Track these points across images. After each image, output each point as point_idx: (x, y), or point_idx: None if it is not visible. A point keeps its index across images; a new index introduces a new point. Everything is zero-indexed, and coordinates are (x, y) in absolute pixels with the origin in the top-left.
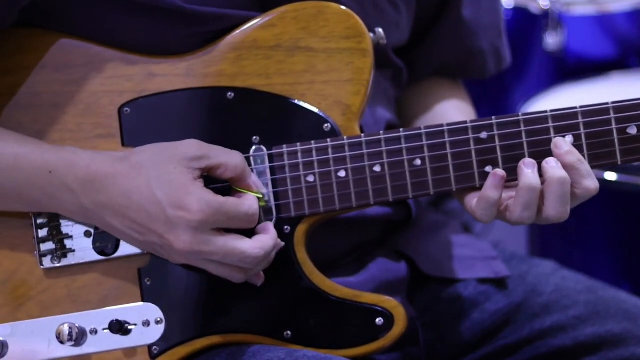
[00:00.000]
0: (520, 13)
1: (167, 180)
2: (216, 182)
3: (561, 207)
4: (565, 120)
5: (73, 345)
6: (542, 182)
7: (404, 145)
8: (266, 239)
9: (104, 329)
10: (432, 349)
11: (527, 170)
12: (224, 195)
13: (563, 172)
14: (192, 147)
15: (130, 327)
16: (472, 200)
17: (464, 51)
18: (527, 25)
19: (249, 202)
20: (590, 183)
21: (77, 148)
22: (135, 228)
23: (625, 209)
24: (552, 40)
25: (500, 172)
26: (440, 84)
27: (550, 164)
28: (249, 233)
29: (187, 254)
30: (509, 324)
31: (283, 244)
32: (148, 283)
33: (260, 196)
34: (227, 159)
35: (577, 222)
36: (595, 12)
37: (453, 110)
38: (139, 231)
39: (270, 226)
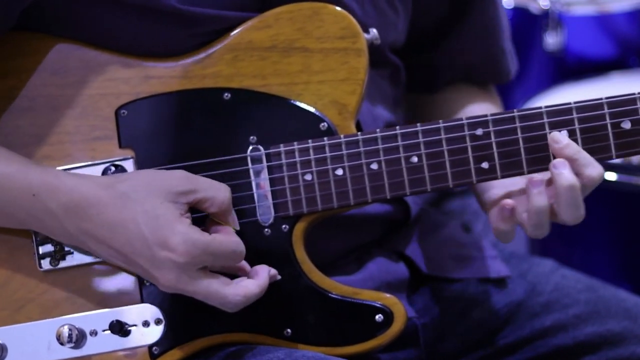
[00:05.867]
0: (520, 13)
1: (153, 216)
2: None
3: (575, 212)
4: (560, 116)
5: (73, 347)
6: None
7: (400, 143)
8: (251, 286)
9: (103, 330)
10: (432, 349)
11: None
12: (203, 220)
13: (571, 178)
14: (180, 180)
15: (129, 328)
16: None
17: (491, 51)
18: (527, 25)
19: (235, 241)
20: (592, 171)
21: (62, 172)
22: (120, 258)
23: (625, 209)
24: (552, 40)
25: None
26: (469, 89)
27: (558, 169)
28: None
29: (171, 289)
30: (509, 323)
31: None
32: (147, 283)
33: (236, 229)
34: (215, 194)
35: None
36: (595, 12)
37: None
38: (124, 261)
39: (262, 271)
